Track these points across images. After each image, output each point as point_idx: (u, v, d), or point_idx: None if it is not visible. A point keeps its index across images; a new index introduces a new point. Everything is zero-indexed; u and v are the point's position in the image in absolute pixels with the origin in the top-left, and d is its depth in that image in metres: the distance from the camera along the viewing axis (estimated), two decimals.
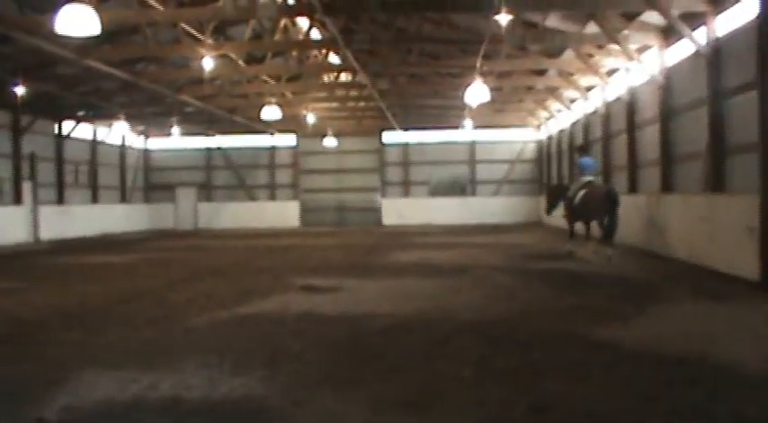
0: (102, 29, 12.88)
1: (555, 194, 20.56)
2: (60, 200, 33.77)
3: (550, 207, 20.63)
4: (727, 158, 15.80)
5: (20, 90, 23.83)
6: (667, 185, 19.46)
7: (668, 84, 19.51)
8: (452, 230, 33.54)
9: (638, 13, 18.54)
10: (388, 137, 42.60)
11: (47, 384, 6.66)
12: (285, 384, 6.61)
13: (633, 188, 22.78)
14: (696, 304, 10.67)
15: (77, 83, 27.32)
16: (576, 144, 29.66)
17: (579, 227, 19.36)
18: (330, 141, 40.16)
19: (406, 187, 42.93)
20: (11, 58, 22.48)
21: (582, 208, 18.22)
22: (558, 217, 20.74)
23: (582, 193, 18.30)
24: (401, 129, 40.37)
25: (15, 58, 22.44)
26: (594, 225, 18.41)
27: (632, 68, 22.41)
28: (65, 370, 7.19)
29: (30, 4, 19.23)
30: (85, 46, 19.32)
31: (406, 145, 42.83)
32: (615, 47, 20.32)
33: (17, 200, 30.06)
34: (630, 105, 22.96)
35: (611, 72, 24.56)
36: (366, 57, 24.93)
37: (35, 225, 30.67)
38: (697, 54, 16.87)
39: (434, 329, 9.05)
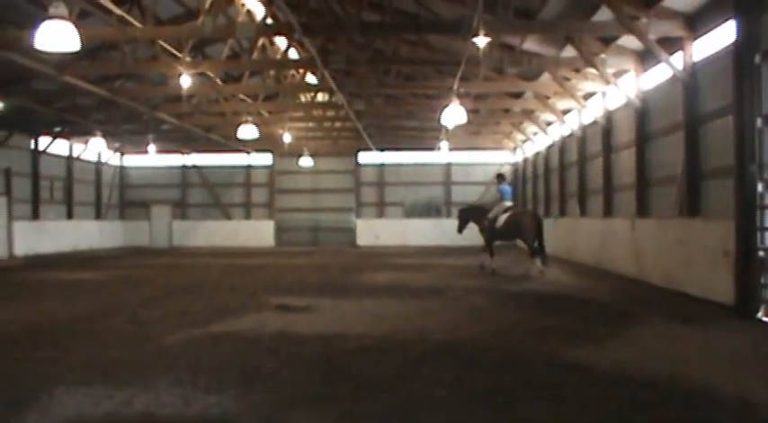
0: (81, 45, 12.80)
1: (465, 217, 22.85)
2: (35, 215, 33.48)
3: (461, 227, 22.92)
4: (703, 183, 15.92)
5: None
6: (643, 209, 19.54)
7: (645, 108, 19.64)
8: (427, 252, 33.50)
9: (616, 38, 18.65)
10: (364, 157, 42.53)
11: (17, 402, 6.57)
12: (259, 403, 6.57)
13: (608, 212, 22.86)
14: (670, 328, 10.71)
15: (54, 98, 27.15)
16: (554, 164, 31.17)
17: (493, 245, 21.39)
18: (306, 161, 40.05)
19: (381, 208, 42.83)
20: None
21: (507, 229, 20.21)
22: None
23: (505, 215, 20.55)
24: (377, 149, 40.37)
25: None
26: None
27: (609, 92, 22.62)
28: (36, 387, 7.11)
29: (8, 19, 19.16)
30: (63, 62, 19.20)
31: (381, 166, 42.76)
32: (592, 71, 20.47)
33: None
34: (607, 129, 23.10)
35: (587, 96, 24.66)
36: (343, 77, 24.98)
37: (9, 240, 30.33)
38: (674, 78, 17.00)
39: (409, 350, 9.02)
